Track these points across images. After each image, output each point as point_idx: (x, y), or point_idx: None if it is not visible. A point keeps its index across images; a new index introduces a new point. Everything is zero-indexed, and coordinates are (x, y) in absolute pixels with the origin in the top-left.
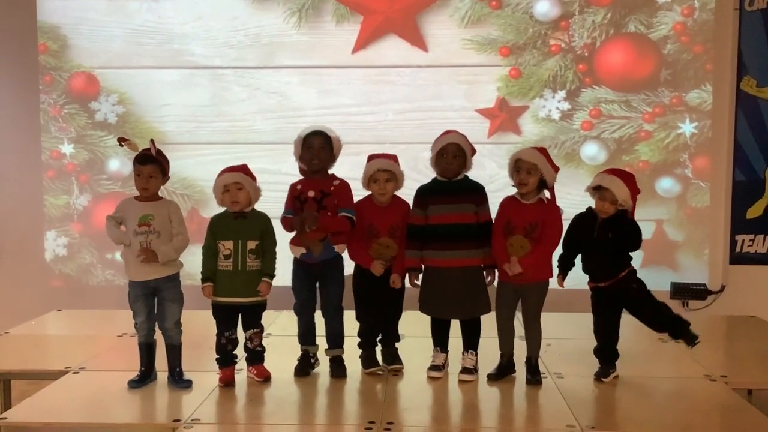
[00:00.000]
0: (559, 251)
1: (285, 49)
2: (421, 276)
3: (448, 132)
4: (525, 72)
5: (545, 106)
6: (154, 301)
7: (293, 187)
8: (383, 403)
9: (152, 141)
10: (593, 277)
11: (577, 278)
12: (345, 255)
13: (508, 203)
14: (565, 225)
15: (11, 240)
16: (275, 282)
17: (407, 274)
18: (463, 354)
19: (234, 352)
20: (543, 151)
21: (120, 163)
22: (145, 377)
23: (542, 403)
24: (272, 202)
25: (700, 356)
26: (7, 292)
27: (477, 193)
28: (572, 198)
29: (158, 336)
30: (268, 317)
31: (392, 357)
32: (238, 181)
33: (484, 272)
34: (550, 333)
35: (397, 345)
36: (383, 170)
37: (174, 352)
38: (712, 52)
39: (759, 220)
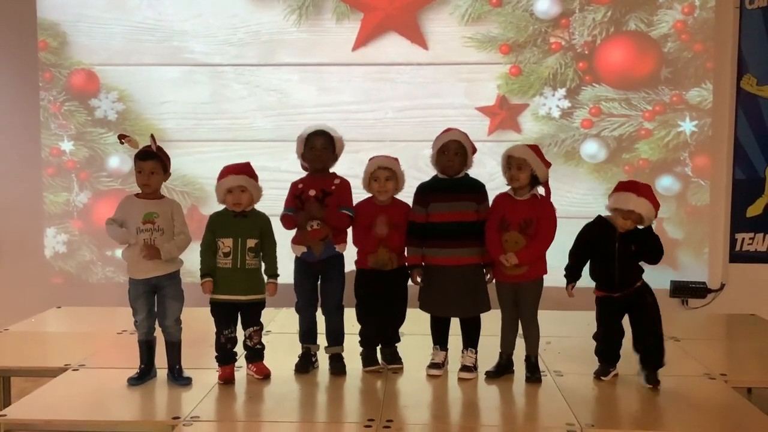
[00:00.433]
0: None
1: (285, 47)
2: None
3: (449, 130)
4: (525, 70)
5: (545, 104)
6: (155, 299)
7: (294, 185)
8: (383, 401)
9: (152, 137)
10: (607, 287)
11: None
12: (345, 253)
13: (501, 200)
14: (562, 222)
15: (11, 237)
16: (278, 282)
17: (410, 273)
18: (462, 352)
19: (234, 350)
20: (534, 147)
21: (120, 160)
22: (144, 374)
23: (542, 401)
24: (272, 200)
25: (700, 354)
26: (7, 289)
27: (478, 191)
28: (572, 196)
29: (158, 333)
30: (267, 315)
31: (392, 356)
32: (241, 185)
33: (484, 270)
34: (550, 331)
35: (396, 345)
36: (384, 168)
37: (174, 350)
38: (712, 51)
39: (759, 219)
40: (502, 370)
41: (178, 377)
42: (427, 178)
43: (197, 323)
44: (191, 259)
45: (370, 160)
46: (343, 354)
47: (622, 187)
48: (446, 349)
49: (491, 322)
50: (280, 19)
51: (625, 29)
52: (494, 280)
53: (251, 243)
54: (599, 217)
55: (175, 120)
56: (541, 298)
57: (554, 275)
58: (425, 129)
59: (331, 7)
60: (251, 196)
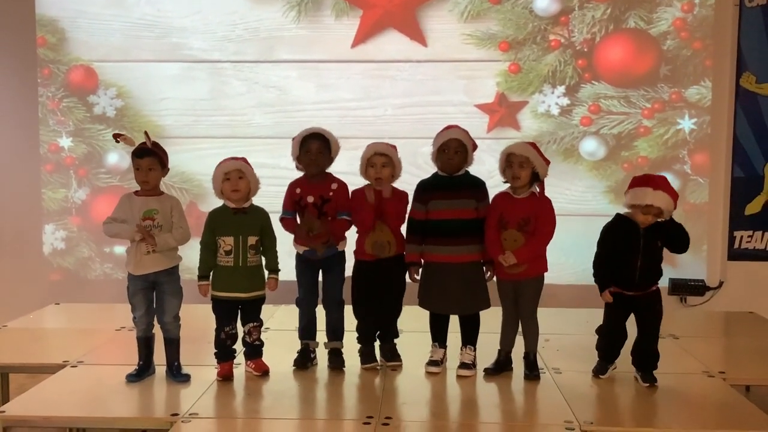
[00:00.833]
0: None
1: (284, 43)
2: (420, 270)
3: (449, 127)
4: (524, 67)
5: (544, 102)
6: (153, 296)
7: (292, 188)
8: (381, 398)
9: (146, 133)
10: (624, 285)
11: (576, 274)
12: (346, 249)
13: (500, 198)
14: (560, 219)
15: (9, 233)
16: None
17: (408, 270)
18: (461, 349)
19: (233, 347)
20: (533, 145)
21: (118, 157)
22: (143, 371)
23: (540, 399)
24: (271, 197)
25: (699, 352)
26: (6, 286)
27: (478, 188)
28: (570, 194)
29: (156, 330)
30: (266, 311)
31: (391, 353)
32: (239, 169)
33: (485, 268)
34: (549, 328)
35: (395, 341)
36: (380, 154)
37: (172, 346)
38: (711, 48)
39: (757, 216)
40: (500, 368)
41: (176, 374)
42: (426, 175)
43: (196, 320)
44: (190, 256)
45: (368, 146)
46: (342, 350)
47: (637, 182)
48: (445, 347)
49: (490, 319)
50: (279, 15)
51: (625, 27)
52: (495, 278)
53: (252, 240)
54: (618, 215)
55: (173, 116)
56: (540, 296)
57: (554, 273)
58: (424, 126)
59: (331, 3)
60: (248, 184)
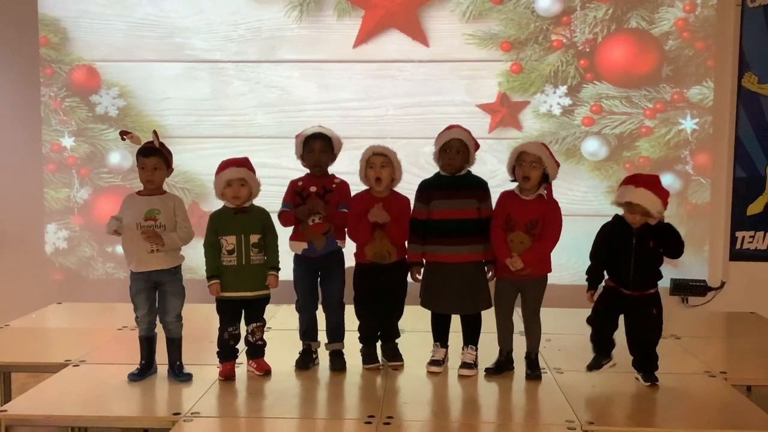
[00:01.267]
0: (558, 249)
1: (286, 43)
2: (422, 270)
3: (451, 127)
4: (526, 67)
5: (546, 102)
6: (156, 295)
7: (294, 183)
8: (383, 398)
9: (155, 132)
10: (621, 284)
11: (578, 274)
12: (345, 249)
13: (507, 198)
14: (563, 219)
15: (12, 233)
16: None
17: (410, 270)
18: (463, 349)
19: (235, 347)
20: (545, 145)
21: (120, 157)
22: (145, 370)
23: (542, 398)
24: (272, 196)
25: (700, 352)
26: (8, 285)
27: (480, 188)
28: (573, 194)
29: (158, 329)
30: (268, 311)
31: (392, 353)
32: (242, 177)
33: (486, 267)
34: (550, 328)
35: (397, 341)
36: (379, 154)
37: (174, 346)
38: (713, 49)
39: (759, 217)
40: (502, 367)
41: (178, 373)
42: (427, 175)
43: (198, 320)
44: (192, 256)
45: (366, 148)
46: (344, 351)
47: (624, 180)
48: (447, 346)
49: (492, 319)
50: (281, 15)
51: (627, 27)
52: (496, 277)
53: (254, 239)
54: (616, 216)
55: (175, 116)
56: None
57: (556, 273)
58: (426, 126)
59: (333, 3)
60: (250, 190)
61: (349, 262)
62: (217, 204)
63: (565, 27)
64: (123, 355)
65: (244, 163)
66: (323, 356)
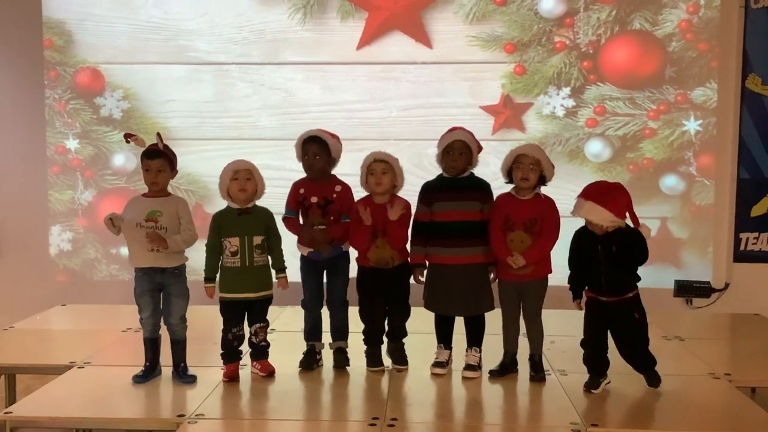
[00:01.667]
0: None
1: (290, 46)
2: (425, 272)
3: (454, 128)
4: (529, 69)
5: (549, 103)
6: (160, 297)
7: (296, 188)
8: (387, 399)
9: (159, 135)
10: (596, 290)
11: None
12: (351, 249)
13: (505, 200)
14: (566, 221)
15: (16, 235)
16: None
17: (412, 271)
18: (466, 351)
19: (239, 348)
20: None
21: (125, 159)
22: (149, 372)
23: (546, 400)
24: (276, 198)
25: (704, 354)
26: (12, 287)
27: (482, 190)
28: (575, 196)
29: (163, 331)
30: (271, 313)
31: (398, 354)
32: (249, 169)
33: (488, 269)
34: (554, 330)
35: (404, 341)
36: (380, 161)
37: (179, 348)
38: (717, 50)
39: (763, 218)
40: (506, 369)
41: (182, 375)
42: (431, 177)
43: (202, 321)
44: (196, 258)
45: (368, 155)
46: (348, 350)
47: (581, 191)
48: (450, 348)
49: (495, 320)
50: (284, 17)
51: (630, 28)
52: (498, 279)
53: (258, 240)
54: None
55: (179, 118)
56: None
57: (559, 274)
58: (429, 128)
59: (336, 5)
60: (255, 186)
61: (355, 270)
62: (221, 206)
63: (569, 28)
64: (127, 357)
65: (247, 161)
66: (327, 357)
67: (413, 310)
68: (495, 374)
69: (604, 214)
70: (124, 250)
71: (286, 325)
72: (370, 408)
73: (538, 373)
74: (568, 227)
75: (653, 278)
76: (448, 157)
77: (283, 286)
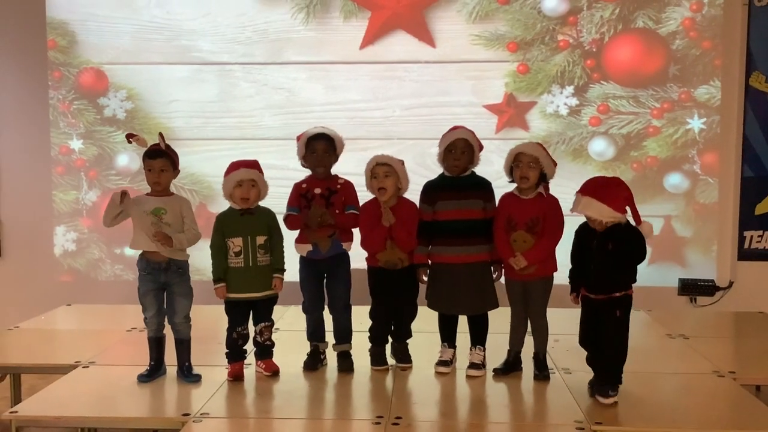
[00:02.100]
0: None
1: (293, 45)
2: (428, 271)
3: (455, 128)
4: (533, 68)
5: (553, 102)
6: (164, 296)
7: (298, 185)
8: (392, 398)
9: (161, 134)
10: (588, 287)
11: None
12: (353, 252)
13: (507, 199)
14: (570, 220)
15: (21, 235)
16: (284, 278)
17: (416, 271)
18: (471, 349)
19: (244, 348)
20: (541, 145)
21: (128, 159)
22: (154, 371)
23: (550, 399)
24: (279, 198)
25: (709, 352)
26: (17, 287)
27: (484, 188)
28: None
29: (167, 330)
30: (276, 312)
31: (402, 353)
32: (253, 179)
33: (492, 268)
34: (558, 329)
35: (408, 341)
36: (382, 164)
37: (183, 347)
38: (720, 48)
39: (767, 216)
40: (510, 368)
41: (187, 374)
42: (435, 176)
43: (206, 320)
44: (199, 257)
45: (371, 158)
46: (352, 351)
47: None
48: (454, 347)
49: (499, 319)
50: (287, 17)
51: (633, 27)
52: (504, 278)
53: (261, 240)
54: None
55: (183, 118)
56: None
57: (564, 273)
58: (432, 127)
59: (339, 5)
60: (259, 191)
61: (356, 264)
62: (224, 205)
63: (572, 27)
64: (132, 357)
65: (254, 165)
66: (331, 357)
67: (418, 309)
68: (499, 373)
69: (602, 208)
70: (128, 251)
71: (290, 325)
72: (375, 407)
73: (542, 372)
74: (575, 226)
75: (657, 277)
76: (450, 156)
77: (277, 287)
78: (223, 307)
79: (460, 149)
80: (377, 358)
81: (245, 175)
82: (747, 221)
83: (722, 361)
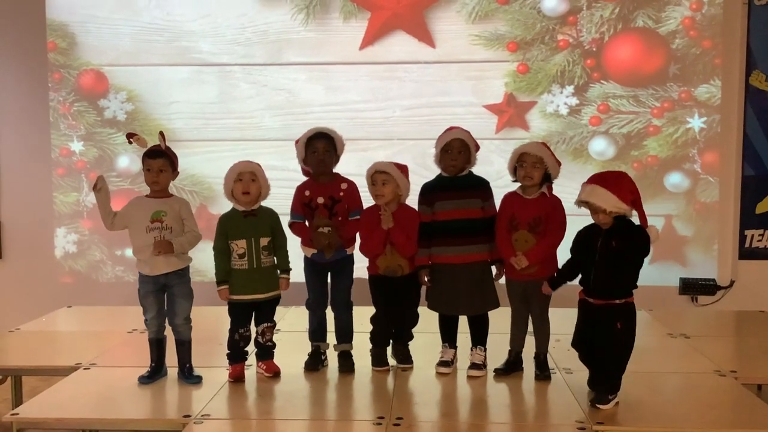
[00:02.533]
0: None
1: (292, 46)
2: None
3: (451, 128)
4: (533, 67)
5: (553, 102)
6: (164, 297)
7: (300, 191)
8: (393, 399)
9: (161, 134)
10: (587, 291)
11: None
12: (355, 258)
13: (510, 199)
14: (570, 219)
15: (22, 237)
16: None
17: (418, 273)
18: (471, 350)
19: (245, 349)
20: (546, 145)
21: (129, 160)
22: (155, 373)
23: (551, 399)
24: (280, 199)
25: (710, 351)
26: (18, 289)
27: (482, 188)
28: None
29: (168, 332)
30: (277, 313)
31: (403, 355)
32: (253, 171)
33: (493, 267)
34: (559, 329)
35: (409, 343)
36: (380, 172)
37: (184, 348)
38: (720, 47)
39: None
40: (511, 368)
41: (188, 375)
42: (435, 176)
43: (207, 322)
44: (200, 259)
45: (371, 165)
46: (353, 351)
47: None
48: (455, 347)
49: (500, 319)
50: (287, 18)
51: (633, 26)
52: (505, 278)
53: (264, 241)
54: None
55: (183, 120)
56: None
57: None
58: (433, 127)
59: (339, 6)
60: (260, 188)
61: (359, 273)
62: (225, 207)
63: (572, 27)
64: (133, 358)
65: (255, 163)
66: (332, 357)
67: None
68: (500, 373)
69: (607, 196)
70: (129, 252)
71: (291, 326)
72: (376, 407)
73: (543, 372)
74: (575, 226)
75: (658, 276)
76: (447, 156)
77: (283, 287)
78: (223, 308)
79: (456, 149)
80: (378, 358)
81: (245, 168)
82: (748, 220)
83: (723, 360)
